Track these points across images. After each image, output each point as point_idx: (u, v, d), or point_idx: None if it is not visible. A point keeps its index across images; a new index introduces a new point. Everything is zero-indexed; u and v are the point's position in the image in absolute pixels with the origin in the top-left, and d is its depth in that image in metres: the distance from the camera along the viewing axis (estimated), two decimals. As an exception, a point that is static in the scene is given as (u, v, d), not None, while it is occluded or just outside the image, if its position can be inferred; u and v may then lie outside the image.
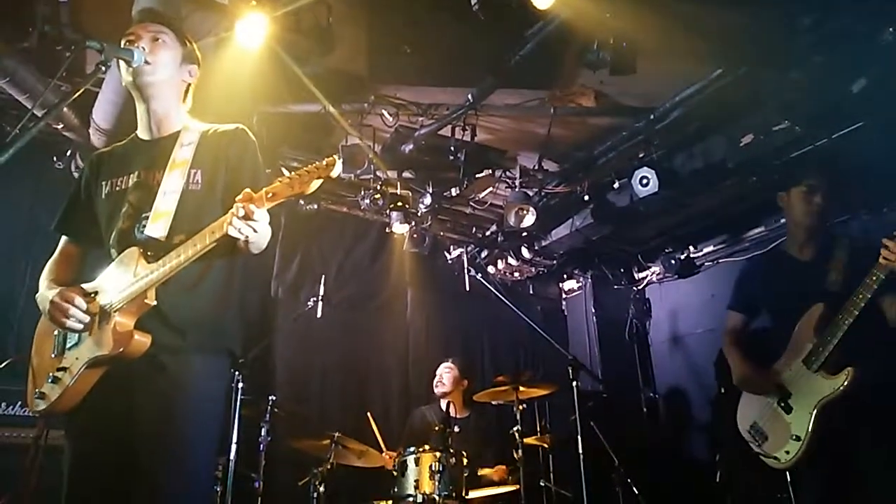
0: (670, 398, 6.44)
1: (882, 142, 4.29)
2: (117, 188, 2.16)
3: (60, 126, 4.31)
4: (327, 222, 5.87)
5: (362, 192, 5.24)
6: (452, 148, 4.71)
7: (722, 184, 5.13)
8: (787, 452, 2.88)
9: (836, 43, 3.73)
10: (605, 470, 4.48)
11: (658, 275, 6.77)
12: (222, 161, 2.16)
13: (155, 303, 1.93)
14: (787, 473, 3.14)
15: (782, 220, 4.43)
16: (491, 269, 6.61)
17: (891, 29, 3.56)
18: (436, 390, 5.03)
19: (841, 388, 2.77)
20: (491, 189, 5.64)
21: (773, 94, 4.21)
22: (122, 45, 2.06)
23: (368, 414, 4.74)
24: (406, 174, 5.28)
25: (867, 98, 3.87)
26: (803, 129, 4.19)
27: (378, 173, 5.04)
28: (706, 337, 5.94)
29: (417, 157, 4.83)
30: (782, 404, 2.97)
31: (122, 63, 2.09)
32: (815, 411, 2.82)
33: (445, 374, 5.04)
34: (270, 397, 4.24)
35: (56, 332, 2.05)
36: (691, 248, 6.40)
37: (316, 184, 1.85)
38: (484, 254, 6.58)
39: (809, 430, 2.82)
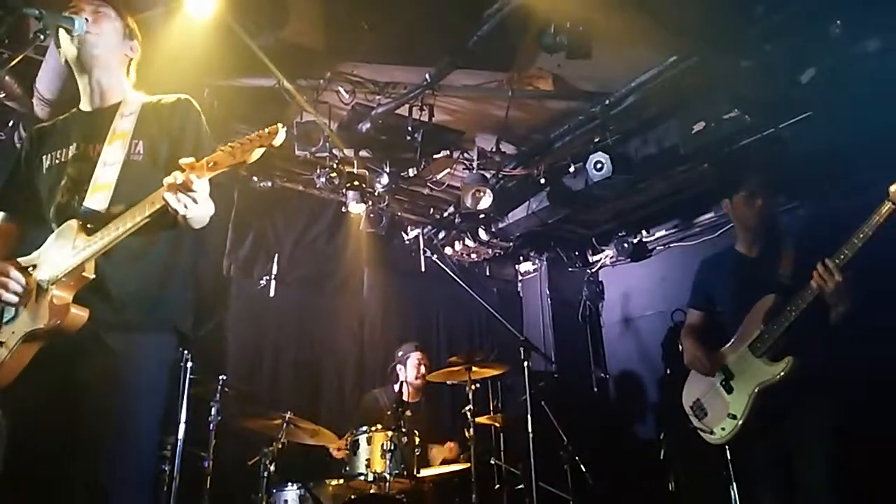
0: (620, 378, 6.58)
1: (828, 132, 4.40)
2: (57, 161, 2.11)
3: (2, 95, 4.14)
4: (282, 200, 5.76)
5: (318, 171, 5.14)
6: (410, 128, 4.66)
7: (674, 170, 5.24)
8: (723, 429, 3.09)
9: (786, 33, 3.81)
10: (554, 448, 4.57)
11: (611, 258, 6.87)
12: (165, 131, 2.12)
13: (93, 276, 1.89)
14: (728, 452, 3.29)
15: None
16: (448, 250, 6.59)
17: (838, 21, 3.65)
18: (415, 382, 4.98)
19: (780, 375, 2.92)
20: (448, 170, 5.61)
21: (725, 83, 4.27)
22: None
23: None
24: (363, 153, 5.20)
25: (815, 89, 3.95)
26: (753, 117, 4.28)
27: (334, 151, 4.96)
28: (656, 319, 6.08)
29: (374, 135, 4.77)
30: (725, 385, 3.15)
31: (64, 35, 2.03)
32: (754, 394, 2.99)
33: (422, 366, 5.03)
34: (221, 377, 4.16)
35: None
36: (644, 232, 6.52)
37: (258, 152, 1.83)
38: (441, 235, 6.55)
39: (746, 410, 3.01)
